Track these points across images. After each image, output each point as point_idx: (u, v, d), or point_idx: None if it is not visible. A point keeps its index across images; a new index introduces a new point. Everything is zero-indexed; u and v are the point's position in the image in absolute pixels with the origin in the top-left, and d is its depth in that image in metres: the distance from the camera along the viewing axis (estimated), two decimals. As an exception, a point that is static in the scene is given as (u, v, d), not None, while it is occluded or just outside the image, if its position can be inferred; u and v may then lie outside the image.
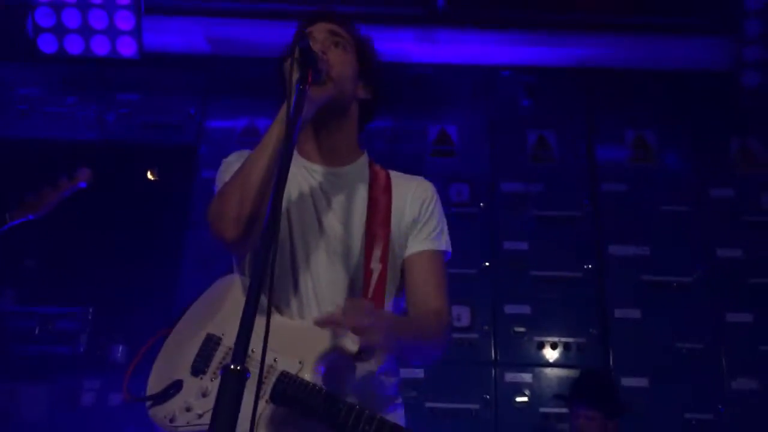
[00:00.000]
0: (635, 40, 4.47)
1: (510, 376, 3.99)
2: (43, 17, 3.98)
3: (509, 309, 4.09)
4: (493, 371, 3.99)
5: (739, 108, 4.39)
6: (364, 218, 2.01)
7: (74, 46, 4.06)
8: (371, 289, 1.92)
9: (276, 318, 1.87)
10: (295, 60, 1.77)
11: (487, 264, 4.15)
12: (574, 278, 4.12)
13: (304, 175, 2.06)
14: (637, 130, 4.48)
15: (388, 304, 1.98)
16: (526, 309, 4.08)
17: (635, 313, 4.06)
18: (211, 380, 1.83)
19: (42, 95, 4.52)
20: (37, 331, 3.92)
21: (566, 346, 4.05)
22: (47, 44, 4.04)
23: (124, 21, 4.05)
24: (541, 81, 4.53)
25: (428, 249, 2.05)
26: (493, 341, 4.04)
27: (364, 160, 2.14)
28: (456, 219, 4.13)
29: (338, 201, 2.04)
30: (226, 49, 4.34)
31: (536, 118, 4.48)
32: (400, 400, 2.04)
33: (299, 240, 1.97)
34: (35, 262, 4.17)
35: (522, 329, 4.06)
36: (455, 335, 4.00)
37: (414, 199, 2.10)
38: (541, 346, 4.06)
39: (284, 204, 1.95)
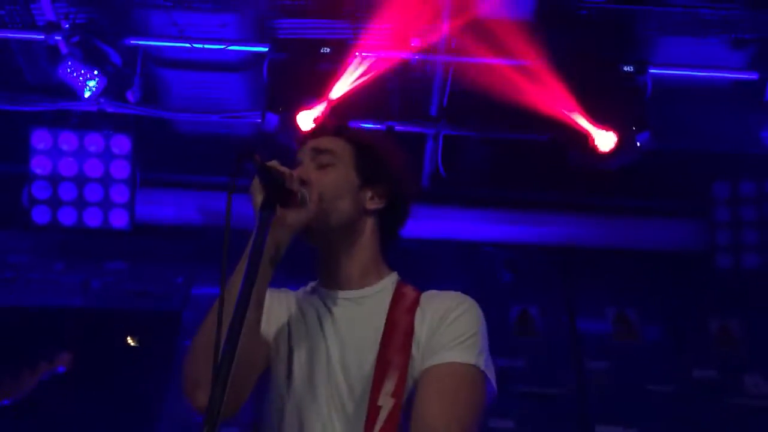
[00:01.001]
0: (612, 221, 4.64)
1: None
2: (40, 190, 4.11)
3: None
4: None
5: (716, 288, 4.49)
6: (377, 344, 1.65)
7: (67, 217, 4.16)
8: (376, 431, 1.56)
9: None
10: (257, 183, 1.54)
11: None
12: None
13: (312, 302, 1.78)
14: (618, 307, 4.54)
15: None
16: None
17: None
18: None
19: (30, 262, 4.56)
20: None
21: None
22: (41, 215, 4.14)
23: (119, 194, 4.18)
24: (522, 257, 4.65)
25: (441, 362, 1.60)
26: None
27: (389, 280, 1.78)
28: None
29: (350, 329, 1.71)
30: (217, 220, 4.45)
31: (518, 293, 4.54)
32: None
33: (302, 377, 1.68)
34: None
35: None
36: None
37: (437, 308, 1.68)
38: None
39: (290, 335, 1.73)
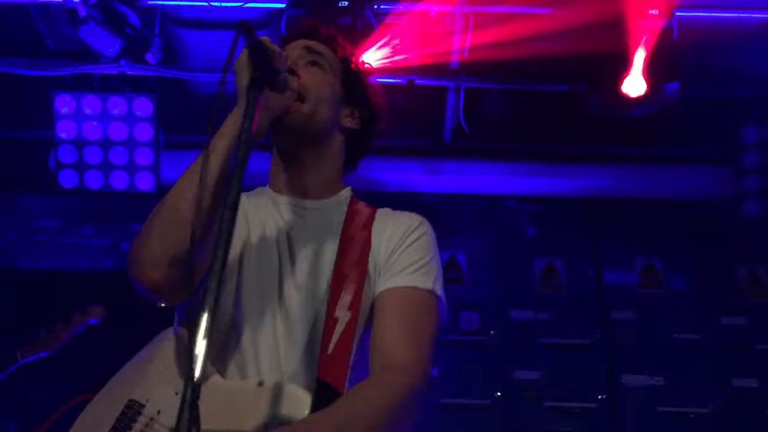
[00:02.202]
0: (637, 170, 4.58)
1: None
2: (66, 154, 4.15)
3: (523, 441, 3.98)
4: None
5: (743, 235, 4.44)
6: (333, 258, 1.65)
7: (94, 181, 4.21)
8: (333, 341, 1.55)
9: (212, 379, 1.54)
10: (244, 62, 1.47)
11: (498, 394, 4.08)
12: (588, 409, 4.03)
13: (267, 207, 1.73)
14: (645, 257, 4.51)
15: (358, 360, 1.60)
16: (541, 442, 3.97)
17: (654, 446, 3.94)
18: None
19: (60, 226, 4.63)
20: None
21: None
22: (68, 179, 4.19)
23: (144, 157, 4.21)
24: (546, 210, 4.62)
25: (402, 285, 1.63)
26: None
27: (344, 195, 1.79)
28: (467, 347, 4.10)
29: (304, 239, 1.68)
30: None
31: (543, 246, 4.53)
32: None
33: (252, 284, 1.63)
34: (40, 394, 4.12)
35: (537, 462, 3.94)
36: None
37: (395, 229, 1.70)
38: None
39: (239, 239, 1.64)
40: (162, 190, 4.29)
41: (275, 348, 1.58)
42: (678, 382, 4.12)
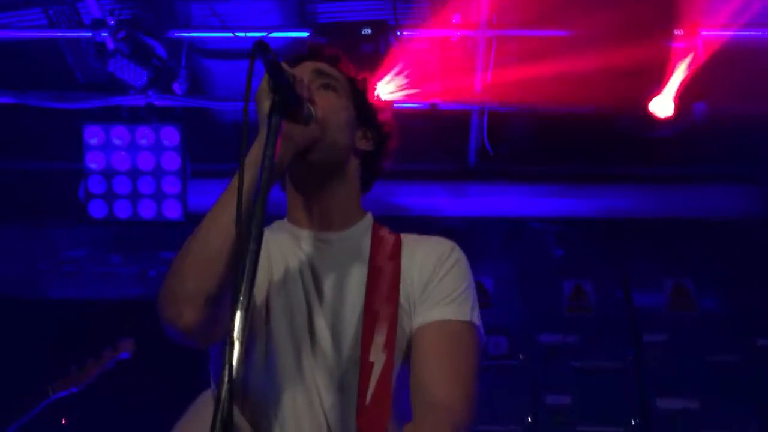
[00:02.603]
0: (665, 190, 4.54)
1: None
2: (95, 184, 4.21)
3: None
4: None
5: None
6: (362, 293, 1.56)
7: (123, 210, 4.26)
8: (370, 389, 1.45)
9: None
10: (265, 88, 1.41)
11: (529, 420, 4.02)
12: (621, 434, 3.96)
13: (288, 243, 1.65)
14: (674, 278, 4.45)
15: (401, 405, 1.51)
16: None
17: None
18: None
19: (89, 255, 4.69)
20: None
21: None
22: (97, 209, 4.24)
23: (171, 185, 4.26)
24: (572, 231, 4.59)
25: (439, 319, 1.55)
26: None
27: (366, 222, 1.71)
28: (495, 372, 4.06)
29: (331, 276, 1.60)
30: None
31: (571, 269, 4.49)
32: None
33: (283, 335, 1.54)
34: (69, 421, 4.14)
35: (571, 490, 3.87)
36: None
37: (427, 257, 1.62)
38: None
39: (262, 281, 1.56)
40: (189, 218, 4.33)
41: (317, 403, 1.50)
42: (714, 405, 4.04)
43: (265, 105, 1.39)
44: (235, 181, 1.40)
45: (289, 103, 1.40)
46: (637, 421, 3.99)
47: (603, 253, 4.53)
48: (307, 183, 1.66)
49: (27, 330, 4.23)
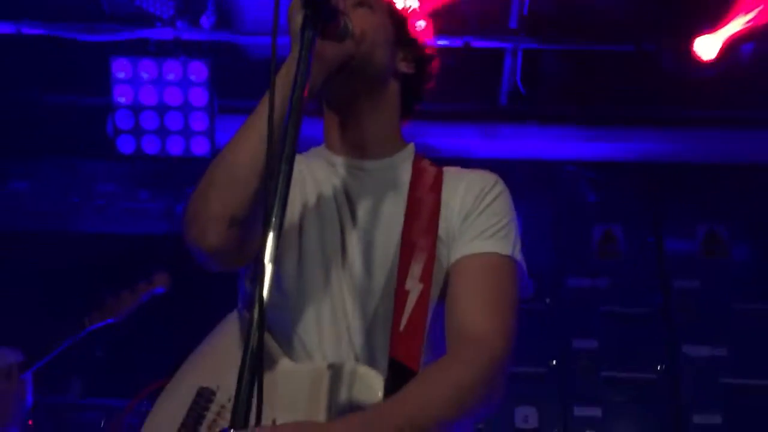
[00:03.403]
0: (701, 134, 4.41)
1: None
2: (123, 119, 4.19)
3: (579, 411, 3.92)
4: (564, 476, 3.81)
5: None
6: (400, 225, 1.51)
7: (151, 146, 4.25)
8: (405, 317, 1.42)
9: (280, 363, 1.45)
10: (297, 1, 1.34)
11: (554, 362, 4.02)
12: (647, 380, 3.95)
13: (324, 169, 1.60)
14: (708, 224, 4.37)
15: (432, 336, 1.47)
16: (597, 411, 3.91)
17: (716, 419, 3.84)
18: None
19: (118, 191, 4.71)
20: (102, 425, 3.94)
21: (641, 453, 3.85)
22: (126, 145, 4.23)
23: (199, 122, 4.23)
24: (606, 175, 4.50)
25: (478, 252, 1.48)
26: (563, 445, 3.87)
27: (407, 153, 1.65)
28: (522, 315, 4.04)
29: (367, 203, 1.55)
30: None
31: (602, 213, 4.42)
32: None
33: (314, 256, 1.51)
34: (104, 353, 4.23)
35: (594, 433, 3.89)
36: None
37: (468, 189, 1.56)
38: (615, 452, 3.87)
39: (295, 206, 1.52)
40: (217, 155, 4.32)
41: (343, 325, 1.46)
42: (741, 353, 4.00)
43: (297, 20, 1.31)
44: (264, 102, 1.36)
45: (323, 17, 1.31)
46: (664, 367, 3.98)
47: (636, 198, 4.45)
48: (343, 103, 1.59)
49: (58, 262, 4.29)
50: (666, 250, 4.31)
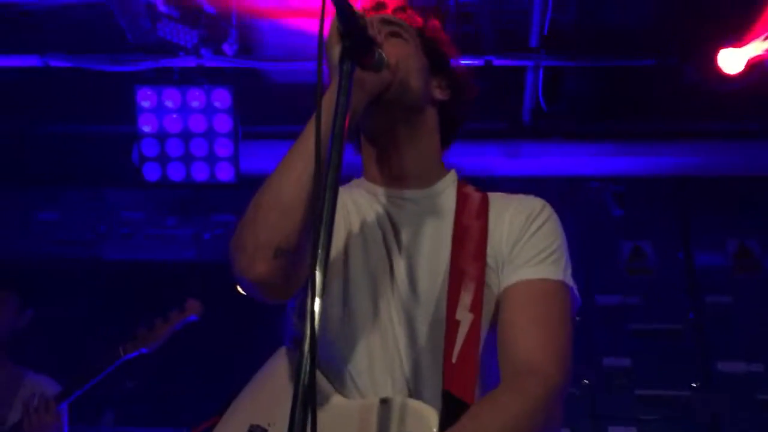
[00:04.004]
0: (728, 146, 4.36)
1: (618, 505, 3.71)
2: (149, 147, 4.24)
3: (614, 430, 3.85)
4: (600, 499, 3.73)
5: None
6: (447, 252, 1.49)
7: (176, 173, 4.29)
8: (457, 348, 1.38)
9: (331, 399, 1.43)
10: (335, 33, 1.35)
11: (586, 381, 3.96)
12: (682, 397, 3.87)
13: (366, 199, 1.59)
14: (738, 239, 4.29)
15: (488, 368, 1.44)
16: (632, 431, 3.83)
17: (755, 437, 3.76)
18: None
19: (145, 218, 4.76)
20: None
21: (680, 474, 3.76)
22: (151, 172, 4.28)
23: (223, 148, 4.26)
24: (632, 190, 4.45)
25: (530, 278, 1.45)
26: (598, 466, 3.80)
27: (450, 179, 1.64)
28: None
29: (413, 231, 1.53)
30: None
31: (629, 229, 4.36)
32: None
33: (360, 283, 1.49)
34: (135, 384, 4.24)
35: (629, 453, 3.81)
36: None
37: (516, 215, 1.54)
38: (651, 472, 3.78)
39: (340, 235, 1.52)
40: (242, 181, 4.34)
41: (395, 355, 1.44)
42: (778, 368, 3.91)
43: (336, 51, 1.34)
44: (307, 131, 1.37)
45: (360, 48, 1.34)
46: (698, 384, 3.90)
47: (663, 212, 4.39)
48: (382, 134, 1.59)
49: (89, 289, 4.33)
50: (696, 265, 4.24)
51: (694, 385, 3.90)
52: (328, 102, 1.31)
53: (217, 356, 4.05)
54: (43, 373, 3.38)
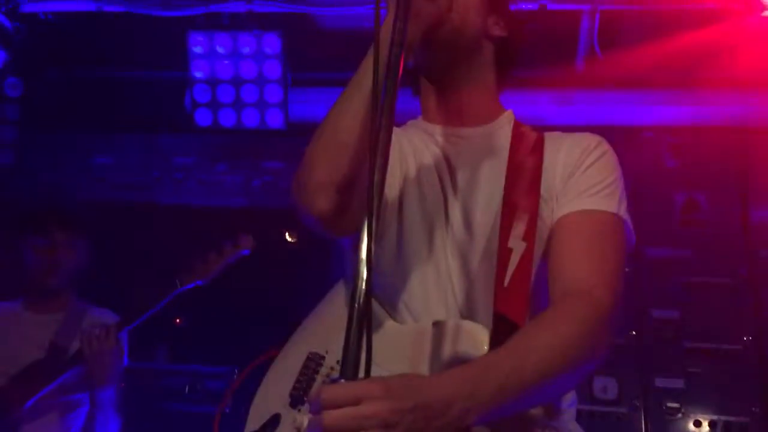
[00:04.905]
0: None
1: (663, 456, 3.72)
2: (201, 93, 4.28)
3: (660, 382, 3.83)
4: (644, 449, 3.75)
5: None
6: (501, 187, 1.51)
7: (227, 119, 4.33)
8: (509, 273, 1.41)
9: (386, 324, 1.48)
10: None
11: (633, 333, 3.94)
12: (732, 351, 3.82)
13: (423, 139, 1.62)
14: (798, 192, 4.16)
15: (540, 295, 1.47)
16: (679, 383, 3.81)
17: (806, 391, 3.70)
18: (309, 412, 1.35)
19: (196, 163, 4.83)
20: (187, 390, 4.08)
21: (726, 426, 3.73)
22: (203, 118, 4.33)
23: (273, 94, 4.28)
24: (688, 141, 4.33)
25: (584, 209, 1.46)
26: (643, 417, 3.79)
27: (506, 119, 1.66)
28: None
29: (467, 169, 1.56)
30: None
31: (684, 180, 4.26)
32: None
33: (416, 218, 1.53)
34: (187, 321, 4.38)
35: (676, 405, 3.79)
36: (601, 408, 3.78)
37: (572, 149, 1.55)
38: (698, 424, 3.76)
39: (397, 174, 1.55)
40: (291, 127, 4.37)
41: (448, 285, 1.46)
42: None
43: None
44: (364, 65, 1.38)
45: None
46: (750, 338, 3.83)
47: (720, 164, 4.27)
48: (439, 72, 1.60)
49: (142, 232, 4.44)
50: (752, 220, 4.13)
51: (745, 339, 3.84)
52: (385, 34, 1.29)
53: (268, 300, 4.14)
54: (105, 308, 3.51)
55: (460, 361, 1.33)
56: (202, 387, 4.07)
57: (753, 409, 3.72)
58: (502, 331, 1.36)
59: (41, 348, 3.26)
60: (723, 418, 3.74)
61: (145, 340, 3.57)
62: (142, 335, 3.42)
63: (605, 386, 3.83)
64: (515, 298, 1.39)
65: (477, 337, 1.36)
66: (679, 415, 3.78)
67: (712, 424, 3.74)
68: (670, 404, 3.79)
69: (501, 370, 1.20)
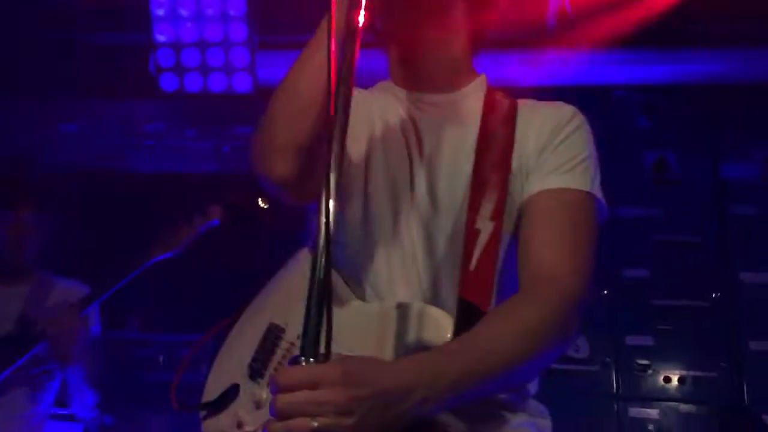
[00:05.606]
0: (761, 53, 4.20)
1: (634, 411, 3.79)
2: (165, 57, 4.18)
3: (631, 340, 3.89)
4: (616, 406, 3.81)
5: None
6: (470, 159, 1.45)
7: (193, 83, 4.24)
8: (475, 256, 1.36)
9: (349, 303, 1.43)
10: None
11: (605, 292, 3.98)
12: (701, 307, 3.88)
13: (391, 103, 1.55)
14: (766, 149, 4.20)
15: (504, 278, 1.42)
16: (648, 340, 3.88)
17: (774, 345, 3.78)
18: (267, 386, 1.36)
19: (164, 130, 4.74)
20: (161, 360, 4.06)
21: (695, 381, 3.81)
22: (168, 83, 4.23)
23: (240, 58, 4.19)
24: (659, 99, 4.33)
25: (555, 187, 1.41)
26: (614, 374, 3.86)
27: (478, 84, 1.57)
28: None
29: (435, 140, 1.48)
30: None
31: (654, 139, 4.27)
32: (521, 416, 1.43)
33: (381, 191, 1.47)
34: (158, 292, 4.34)
35: (646, 362, 3.85)
36: (573, 366, 3.84)
37: (545, 122, 1.49)
38: (668, 380, 3.83)
39: (362, 140, 1.49)
40: (259, 92, 4.29)
41: (413, 266, 1.42)
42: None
43: None
44: (322, 28, 1.33)
45: None
46: (718, 295, 3.90)
47: (690, 123, 4.29)
48: (403, 30, 1.52)
49: (110, 200, 4.37)
50: (722, 176, 4.17)
51: (714, 295, 3.90)
52: None
53: (238, 265, 4.11)
54: (74, 278, 3.45)
55: (422, 347, 1.30)
56: (177, 356, 4.06)
57: (721, 364, 3.80)
58: (467, 317, 1.33)
59: (10, 321, 3.21)
60: (692, 373, 3.81)
61: (116, 311, 3.53)
62: (113, 306, 3.38)
63: (577, 345, 3.88)
64: (481, 283, 1.35)
65: (440, 324, 1.32)
66: (650, 371, 3.85)
67: (681, 380, 3.81)
68: (640, 361, 3.86)
69: (463, 359, 1.18)
